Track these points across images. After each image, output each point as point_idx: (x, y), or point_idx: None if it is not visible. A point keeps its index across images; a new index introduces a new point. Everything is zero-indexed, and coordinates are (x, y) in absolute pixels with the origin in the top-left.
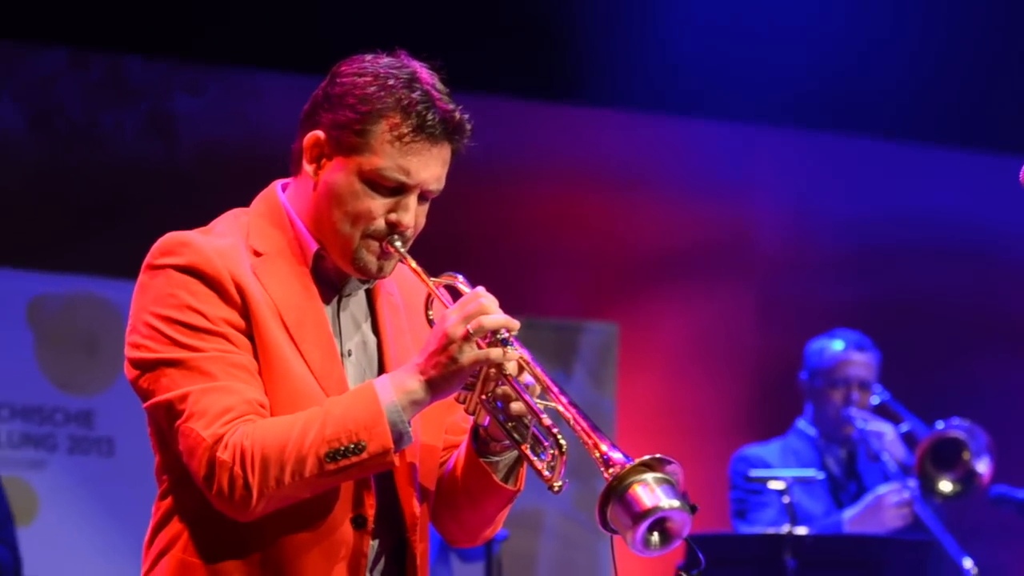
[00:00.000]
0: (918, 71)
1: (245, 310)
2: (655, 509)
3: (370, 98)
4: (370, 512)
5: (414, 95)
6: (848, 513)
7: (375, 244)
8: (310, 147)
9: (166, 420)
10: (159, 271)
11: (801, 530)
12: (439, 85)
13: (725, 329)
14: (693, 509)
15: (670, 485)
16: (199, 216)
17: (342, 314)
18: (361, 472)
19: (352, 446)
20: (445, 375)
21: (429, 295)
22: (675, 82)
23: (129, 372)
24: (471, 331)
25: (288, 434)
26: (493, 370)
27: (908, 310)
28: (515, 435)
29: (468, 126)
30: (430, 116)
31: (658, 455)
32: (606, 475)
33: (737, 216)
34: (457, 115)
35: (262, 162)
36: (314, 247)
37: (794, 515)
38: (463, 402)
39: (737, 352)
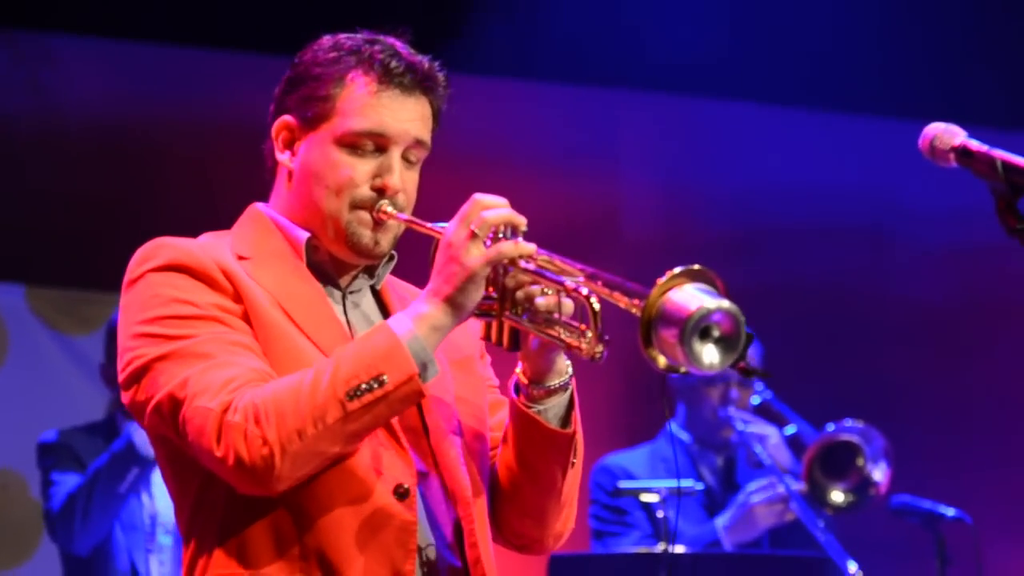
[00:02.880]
0: (805, 30)
1: (238, 297)
2: (700, 310)
3: (330, 63)
4: (411, 482)
5: (375, 47)
6: (721, 521)
7: (365, 215)
8: (279, 133)
9: (170, 419)
10: (137, 281)
11: (679, 548)
12: (405, 46)
13: None
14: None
15: (708, 288)
16: None
17: (350, 313)
18: (389, 408)
19: (372, 380)
20: (459, 287)
21: (435, 243)
22: (530, 43)
23: (125, 398)
24: (475, 229)
25: (301, 384)
26: (511, 277)
27: (793, 297)
28: (550, 334)
29: (441, 77)
30: (394, 63)
31: (692, 267)
32: (636, 310)
33: (601, 193)
34: (426, 64)
35: (58, 135)
36: (304, 236)
37: (667, 532)
38: (489, 338)
39: None
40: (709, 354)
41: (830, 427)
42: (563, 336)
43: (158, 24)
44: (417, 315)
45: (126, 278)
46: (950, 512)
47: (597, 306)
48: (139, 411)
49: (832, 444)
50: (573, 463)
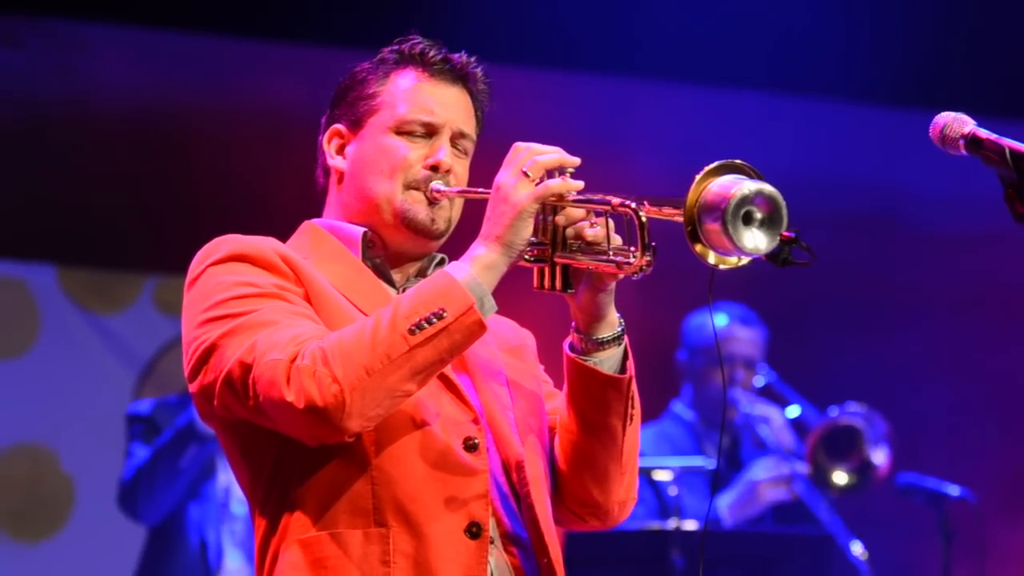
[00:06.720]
0: (814, 19)
1: (299, 282)
2: (738, 194)
3: (373, 66)
4: (479, 436)
5: (414, 40)
6: (725, 499)
7: (419, 195)
8: (331, 141)
9: (241, 386)
10: (198, 278)
11: (690, 524)
12: (442, 45)
13: None
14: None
15: (741, 175)
16: (23, 187)
17: None
18: (451, 340)
19: (432, 315)
20: (509, 225)
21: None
22: (539, 31)
23: (194, 388)
24: (527, 171)
25: (363, 327)
26: (561, 215)
27: (799, 281)
28: (601, 259)
29: (480, 72)
30: (433, 53)
31: (728, 161)
32: (680, 215)
33: (611, 178)
34: (464, 58)
35: (92, 121)
36: (360, 231)
37: (678, 509)
38: (542, 285)
39: None
40: (751, 238)
41: (833, 411)
42: (612, 257)
43: (187, 13)
44: (471, 257)
45: (188, 278)
46: (954, 491)
47: (644, 218)
48: (208, 394)
49: (835, 428)
50: (632, 416)
